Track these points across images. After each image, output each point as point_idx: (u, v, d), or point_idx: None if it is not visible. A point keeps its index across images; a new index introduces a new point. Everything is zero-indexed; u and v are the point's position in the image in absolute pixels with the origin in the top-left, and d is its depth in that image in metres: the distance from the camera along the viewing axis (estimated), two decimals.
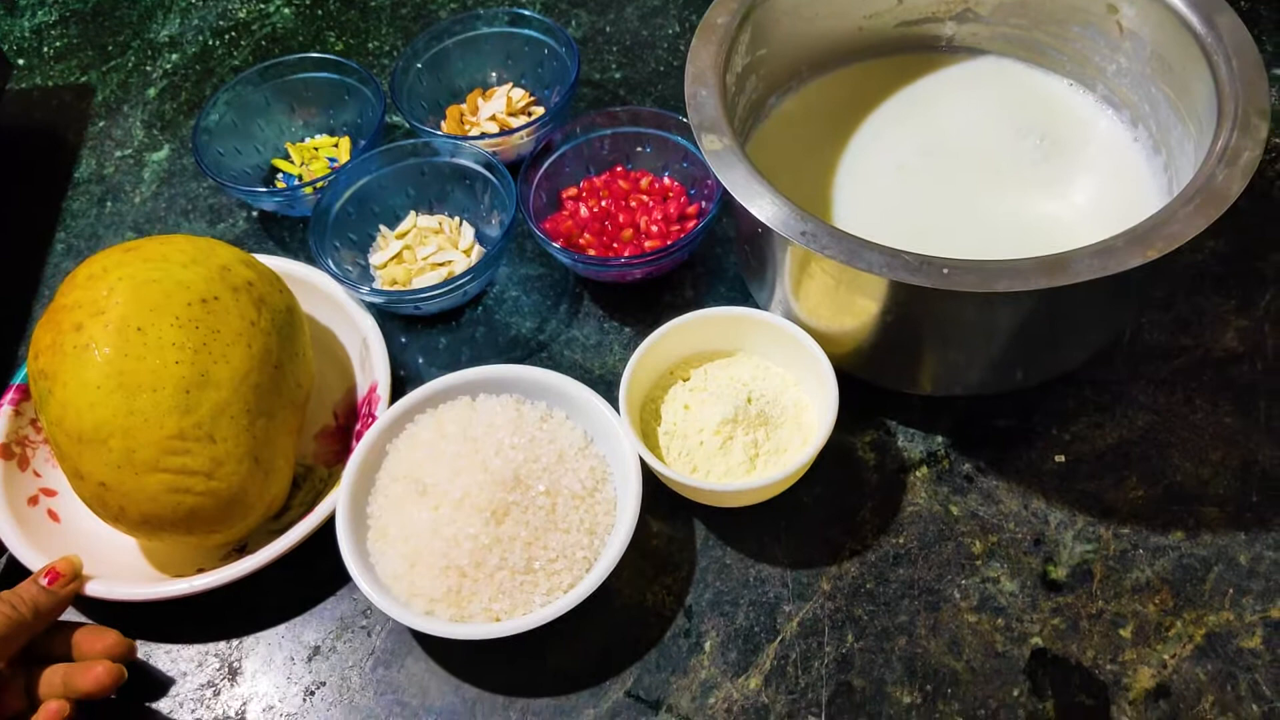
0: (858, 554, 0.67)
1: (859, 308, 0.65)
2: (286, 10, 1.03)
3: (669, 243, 0.77)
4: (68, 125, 0.96)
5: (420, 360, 0.78)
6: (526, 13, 0.87)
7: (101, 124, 0.96)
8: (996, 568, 0.66)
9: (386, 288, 0.79)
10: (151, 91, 0.98)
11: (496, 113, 0.87)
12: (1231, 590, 0.63)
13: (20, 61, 1.01)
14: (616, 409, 0.68)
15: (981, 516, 0.68)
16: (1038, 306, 0.61)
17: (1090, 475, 0.68)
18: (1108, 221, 0.70)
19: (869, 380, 0.70)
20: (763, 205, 0.61)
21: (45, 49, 1.03)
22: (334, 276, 0.75)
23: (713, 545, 0.68)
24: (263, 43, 1.00)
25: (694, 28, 0.95)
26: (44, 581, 0.63)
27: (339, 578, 0.69)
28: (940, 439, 0.71)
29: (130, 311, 0.63)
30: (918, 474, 0.70)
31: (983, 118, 0.76)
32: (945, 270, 0.57)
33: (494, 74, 0.90)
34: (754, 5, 0.70)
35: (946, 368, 0.68)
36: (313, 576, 0.69)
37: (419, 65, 0.87)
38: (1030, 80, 0.78)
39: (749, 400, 0.69)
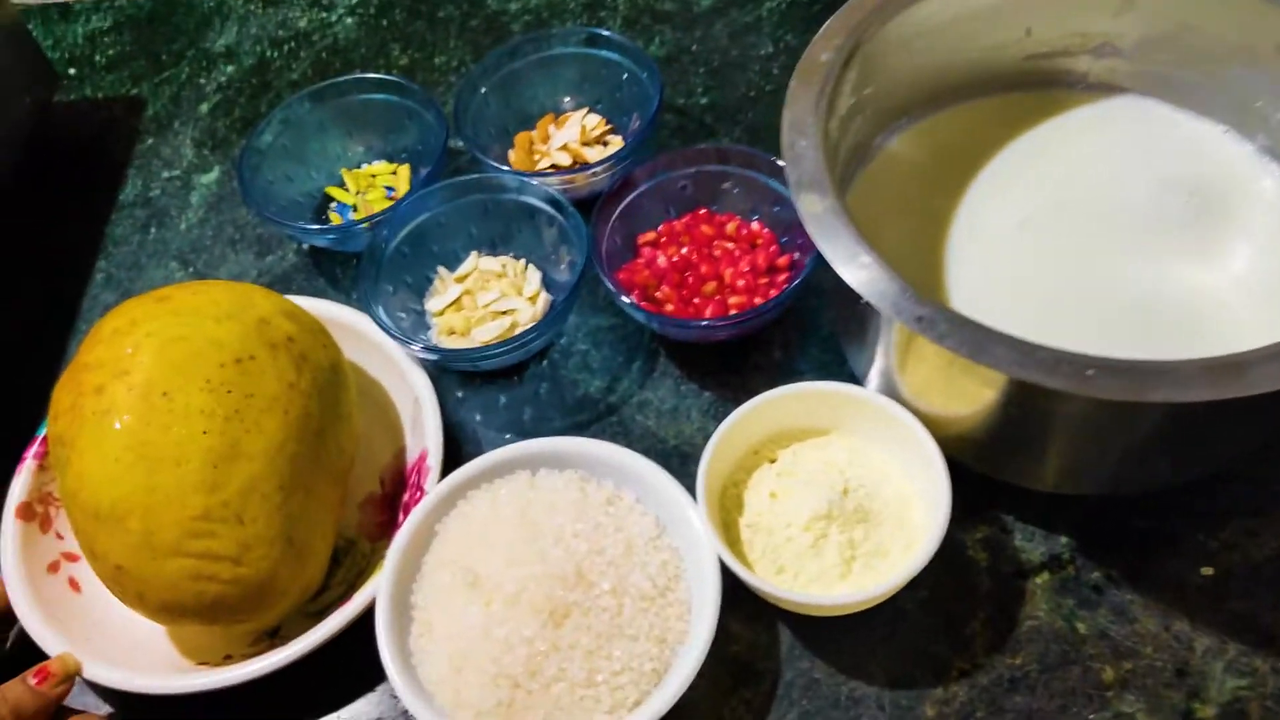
0: (967, 675, 0.58)
1: (976, 396, 0.56)
2: (349, 20, 0.96)
3: (756, 301, 0.68)
4: (116, 141, 0.90)
5: (478, 418, 0.71)
6: (604, 32, 0.79)
7: (150, 141, 0.90)
8: (1132, 701, 0.57)
9: (444, 338, 0.72)
10: (204, 107, 0.92)
11: (569, 141, 0.79)
12: None
13: (71, 71, 0.96)
14: (692, 492, 0.60)
15: (1113, 637, 0.59)
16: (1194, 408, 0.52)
17: (1244, 593, 0.59)
18: (1271, 295, 0.61)
19: (982, 472, 0.61)
20: (871, 282, 0.52)
21: (97, 57, 0.97)
22: (385, 330, 0.68)
23: (799, 655, 0.60)
24: (323, 55, 0.94)
25: (790, 48, 0.87)
26: (32, 681, 0.58)
27: (378, 672, 0.61)
28: (1064, 540, 0.62)
29: (156, 374, 0.57)
30: (1037, 581, 0.61)
31: (1121, 168, 0.67)
32: (1090, 372, 0.48)
33: (567, 98, 0.83)
34: (862, 40, 0.61)
35: (1076, 464, 0.59)
36: (349, 668, 0.62)
37: (485, 88, 0.80)
38: (1177, 125, 0.68)
39: (845, 491, 0.60)
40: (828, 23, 0.62)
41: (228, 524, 0.56)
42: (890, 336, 0.58)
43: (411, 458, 0.68)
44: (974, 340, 0.49)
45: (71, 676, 0.59)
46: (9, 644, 0.65)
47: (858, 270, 0.53)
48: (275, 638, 0.63)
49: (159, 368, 0.57)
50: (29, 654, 0.61)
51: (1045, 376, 0.48)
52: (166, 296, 0.62)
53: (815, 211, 0.55)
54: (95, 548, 0.57)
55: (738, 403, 0.61)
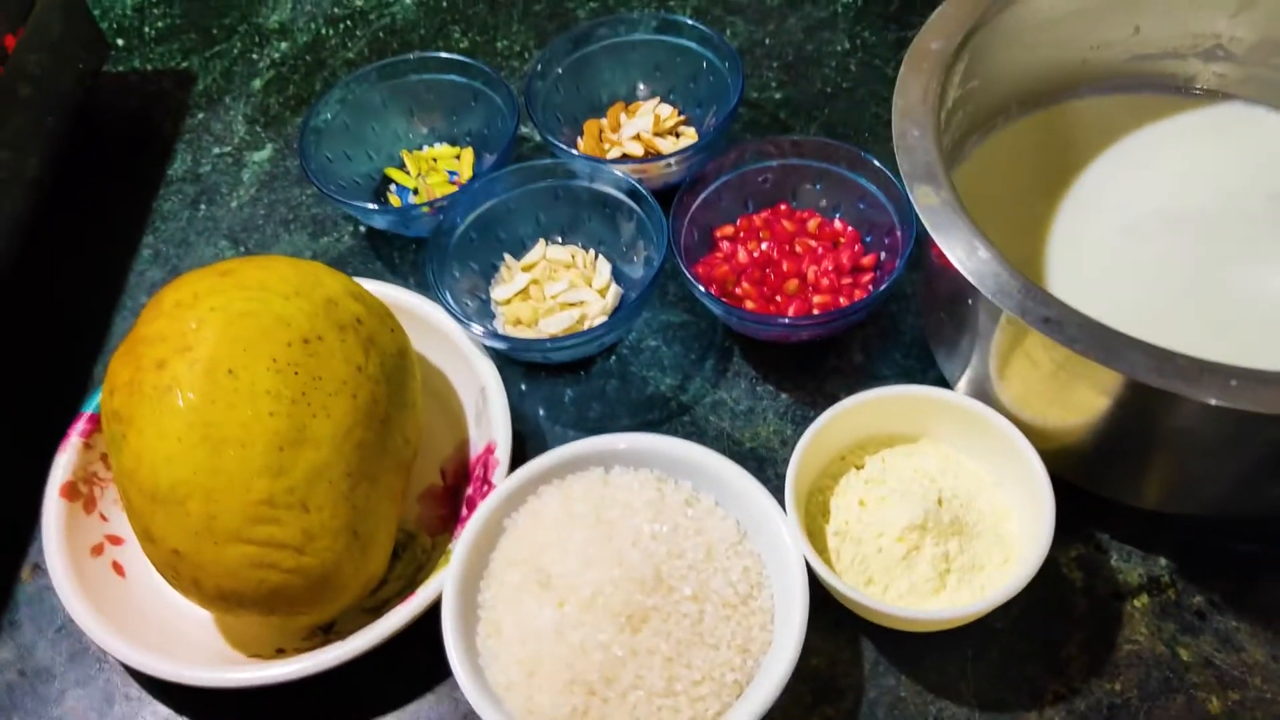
0: (1063, 699, 0.55)
1: (1085, 403, 0.53)
2: (408, 1, 0.93)
3: (841, 301, 0.65)
4: (164, 115, 0.87)
5: (541, 413, 0.68)
6: (683, 19, 0.76)
7: (200, 116, 0.87)
8: None
9: (510, 328, 0.69)
10: (257, 83, 0.89)
11: (641, 131, 0.76)
12: None
13: (120, 42, 0.93)
14: (775, 495, 0.57)
15: (1219, 666, 0.56)
16: None
17: None
18: None
19: (1079, 485, 0.58)
20: (993, 277, 0.49)
21: (146, 29, 0.94)
22: (452, 315, 0.65)
23: (883, 671, 0.57)
24: (380, 34, 0.91)
25: (866, 45, 0.84)
26: None
27: (437, 672, 0.59)
28: (1164, 562, 0.59)
29: (221, 350, 0.54)
30: (1136, 603, 0.58)
31: (1232, 176, 0.64)
32: (1234, 383, 0.45)
33: (640, 86, 0.80)
34: (976, 29, 0.58)
35: (1185, 482, 0.56)
36: (408, 667, 0.59)
37: (555, 73, 0.77)
38: None
39: (940, 502, 0.57)
40: (938, 10, 0.59)
41: (292, 511, 0.53)
42: (993, 339, 0.55)
43: (475, 450, 0.65)
44: (1107, 345, 0.47)
45: None
46: None
47: (978, 265, 0.50)
48: (330, 633, 0.60)
49: (224, 344, 0.54)
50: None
51: (1186, 386, 0.45)
52: (230, 270, 0.58)
53: (931, 204, 0.52)
54: (152, 530, 0.53)
55: (816, 406, 0.59)
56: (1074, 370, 0.51)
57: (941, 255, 0.56)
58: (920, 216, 0.52)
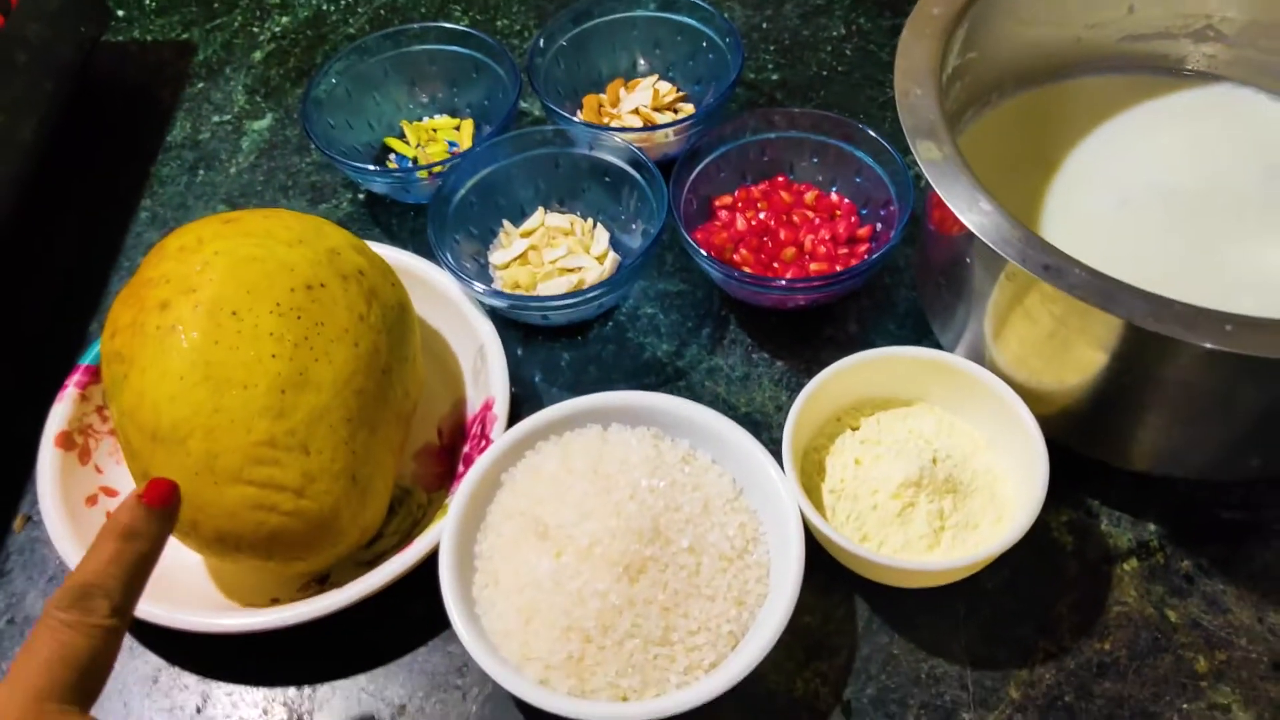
0: (1054, 658, 0.56)
1: (1081, 360, 0.54)
2: None
3: (837, 267, 0.66)
4: (164, 84, 0.87)
5: (538, 378, 0.68)
6: None
7: (200, 85, 0.87)
8: (1226, 693, 0.54)
9: (509, 291, 0.69)
10: (257, 55, 0.89)
11: (640, 106, 0.77)
12: None
13: (120, 13, 0.93)
14: (772, 454, 0.57)
15: (1206, 627, 0.56)
16: None
17: None
18: None
19: (1072, 448, 0.59)
20: (995, 228, 0.50)
21: (147, 1, 0.94)
22: (452, 272, 0.65)
23: (877, 629, 0.58)
24: (381, 11, 0.91)
25: (862, 31, 0.86)
26: (140, 501, 0.47)
27: (432, 624, 0.59)
28: (1153, 527, 0.60)
29: (225, 292, 0.54)
30: (1125, 567, 0.59)
31: (1223, 155, 0.65)
32: (1229, 327, 0.46)
33: (640, 63, 0.81)
34: None
35: (1172, 443, 0.57)
36: (403, 620, 0.59)
37: (555, 48, 0.77)
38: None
39: (934, 461, 0.58)
40: None
41: (293, 453, 0.54)
42: (990, 298, 0.56)
43: (473, 409, 0.65)
44: (1106, 290, 0.47)
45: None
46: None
47: (980, 217, 0.51)
48: (325, 583, 0.60)
49: (229, 286, 0.54)
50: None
51: (1184, 330, 0.46)
52: (236, 218, 0.59)
53: (934, 158, 0.53)
54: (151, 470, 0.53)
55: (810, 374, 0.59)
56: (1072, 325, 0.52)
57: (942, 215, 0.57)
58: (923, 170, 0.52)
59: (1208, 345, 0.45)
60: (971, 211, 0.51)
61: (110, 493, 0.62)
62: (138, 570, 0.46)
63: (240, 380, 0.53)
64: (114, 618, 0.44)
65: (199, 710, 0.57)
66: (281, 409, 0.53)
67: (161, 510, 0.47)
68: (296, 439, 0.54)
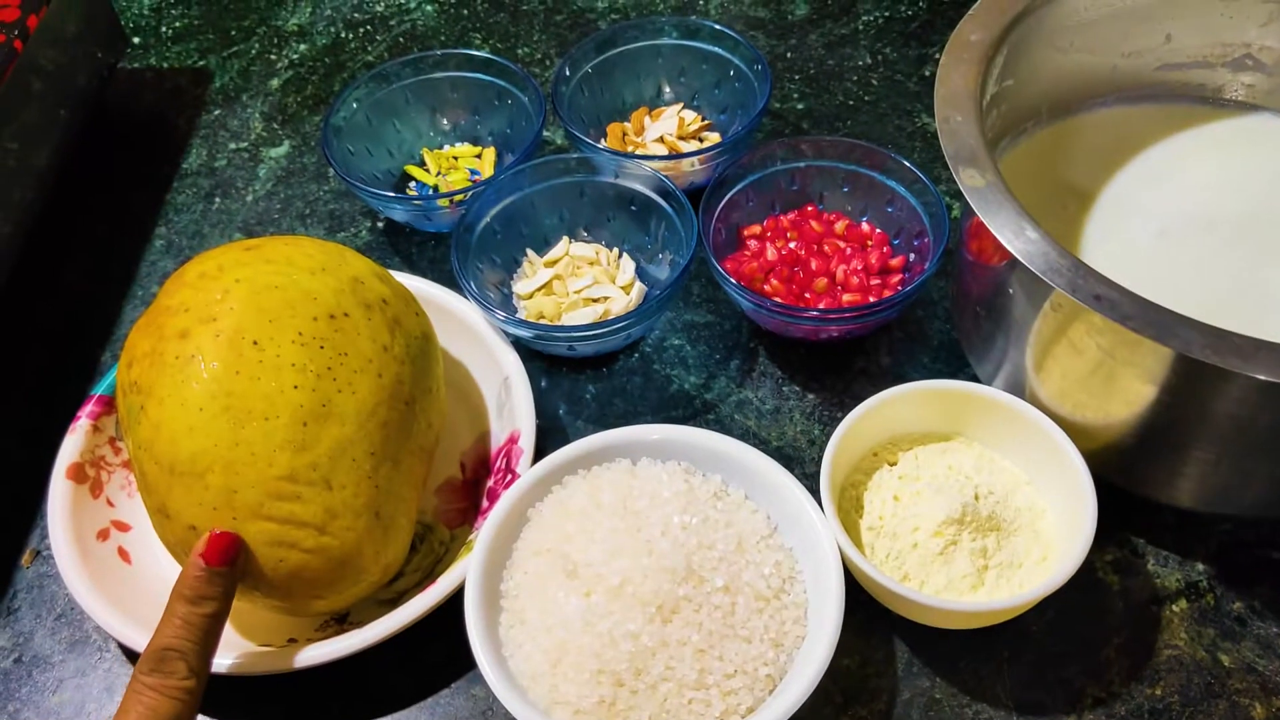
0: (1103, 704, 0.54)
1: (1129, 393, 0.52)
2: (429, 8, 0.93)
3: (871, 298, 0.65)
4: (180, 111, 0.86)
5: (563, 410, 0.67)
6: (710, 24, 0.76)
7: (217, 113, 0.86)
8: None
9: (533, 320, 0.68)
10: (275, 82, 0.88)
11: (666, 134, 0.76)
12: None
13: (135, 40, 0.92)
14: (808, 489, 0.56)
15: (1261, 672, 0.54)
16: None
17: None
18: None
19: (1116, 484, 0.57)
20: (1043, 256, 0.49)
21: (164, 28, 0.94)
22: (477, 301, 0.64)
23: (917, 672, 0.56)
24: (400, 39, 0.90)
25: (888, 61, 0.85)
26: (202, 562, 0.49)
27: (455, 666, 0.57)
28: (1201, 567, 0.58)
29: (247, 321, 0.53)
30: (1174, 608, 0.57)
31: (1262, 184, 0.64)
32: None
33: (665, 91, 0.79)
34: (1015, 23, 0.58)
35: (1221, 479, 0.55)
36: (424, 661, 0.57)
37: (586, 70, 0.76)
38: None
39: (976, 497, 0.56)
40: (977, 4, 0.59)
41: (315, 488, 0.52)
42: (1033, 328, 0.54)
43: (497, 443, 0.63)
44: (1161, 322, 0.46)
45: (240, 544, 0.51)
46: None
47: (1027, 245, 0.49)
48: (344, 623, 0.58)
49: (250, 315, 0.53)
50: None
51: (1242, 363, 0.44)
52: (256, 245, 0.57)
53: (978, 184, 0.51)
54: (168, 505, 0.51)
55: (843, 407, 0.58)
56: (1120, 357, 0.50)
57: (982, 243, 0.56)
58: (967, 197, 0.51)
59: (1267, 378, 0.44)
60: (1018, 239, 0.49)
61: (122, 527, 0.61)
62: (209, 630, 0.48)
63: (261, 412, 0.51)
64: (191, 678, 0.47)
65: None
66: (304, 442, 0.52)
67: (224, 570, 0.49)
68: (319, 473, 0.52)
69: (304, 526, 0.52)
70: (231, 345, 0.52)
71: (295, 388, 0.52)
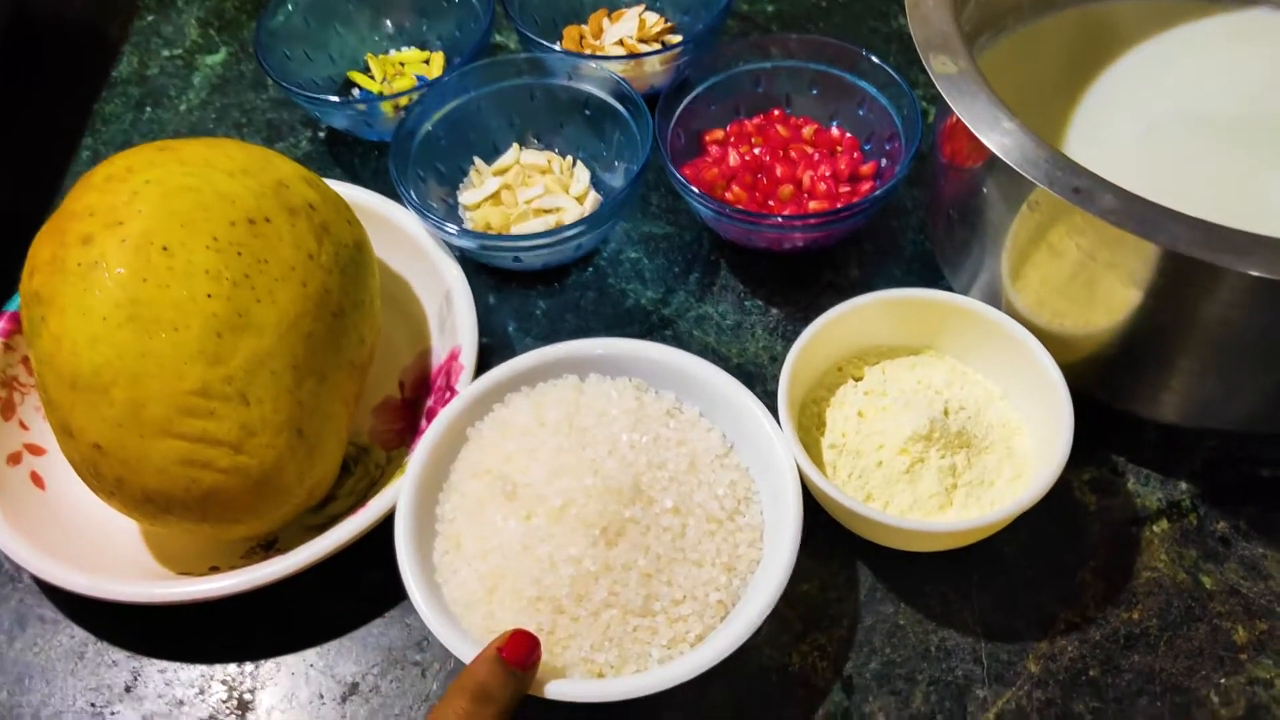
0: (1076, 628, 0.51)
1: (1111, 298, 0.48)
2: None
3: (840, 205, 0.60)
4: (111, 18, 0.81)
5: (511, 327, 0.63)
6: None
7: (150, 19, 0.81)
8: (1269, 666, 0.49)
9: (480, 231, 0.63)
10: None
11: (625, 37, 0.71)
12: None
13: None
14: (766, 406, 0.52)
15: (1245, 594, 0.51)
16: None
17: None
18: None
19: (1096, 398, 0.54)
20: (1018, 148, 0.44)
21: None
22: (417, 210, 0.59)
23: (881, 598, 0.52)
24: None
25: None
26: (503, 660, 0.44)
27: (389, 595, 0.53)
28: (1184, 486, 0.54)
29: (156, 225, 0.48)
30: (1155, 529, 0.53)
31: (1254, 82, 0.59)
32: None
33: None
34: None
35: (1208, 391, 0.52)
36: (357, 590, 0.54)
37: None
38: None
39: (946, 412, 0.52)
40: None
41: (229, 403, 0.48)
42: (1010, 231, 0.50)
43: (438, 360, 0.59)
44: (1146, 216, 0.42)
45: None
46: None
47: (1002, 136, 0.45)
48: (271, 549, 0.54)
49: (159, 218, 0.49)
50: None
51: (1236, 258, 0.40)
52: (170, 146, 0.53)
53: (949, 73, 0.47)
54: (71, 423, 0.48)
55: (808, 322, 0.53)
56: (1102, 258, 0.46)
57: (956, 144, 0.52)
58: (938, 86, 0.47)
59: (1262, 274, 0.40)
60: (992, 131, 0.45)
61: (36, 450, 0.57)
62: None
63: (170, 321, 0.47)
64: None
65: (128, 689, 0.52)
66: (217, 354, 0.48)
67: (521, 673, 0.44)
68: (234, 387, 0.48)
69: (218, 445, 0.48)
70: (138, 251, 0.48)
71: (208, 296, 0.48)
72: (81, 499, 0.53)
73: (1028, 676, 0.49)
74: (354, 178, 0.70)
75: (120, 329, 0.47)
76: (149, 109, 0.75)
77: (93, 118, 0.74)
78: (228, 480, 0.48)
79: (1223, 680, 0.49)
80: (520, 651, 0.44)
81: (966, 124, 0.45)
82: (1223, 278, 0.43)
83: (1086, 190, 0.43)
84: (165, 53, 0.78)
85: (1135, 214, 0.42)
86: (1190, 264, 0.42)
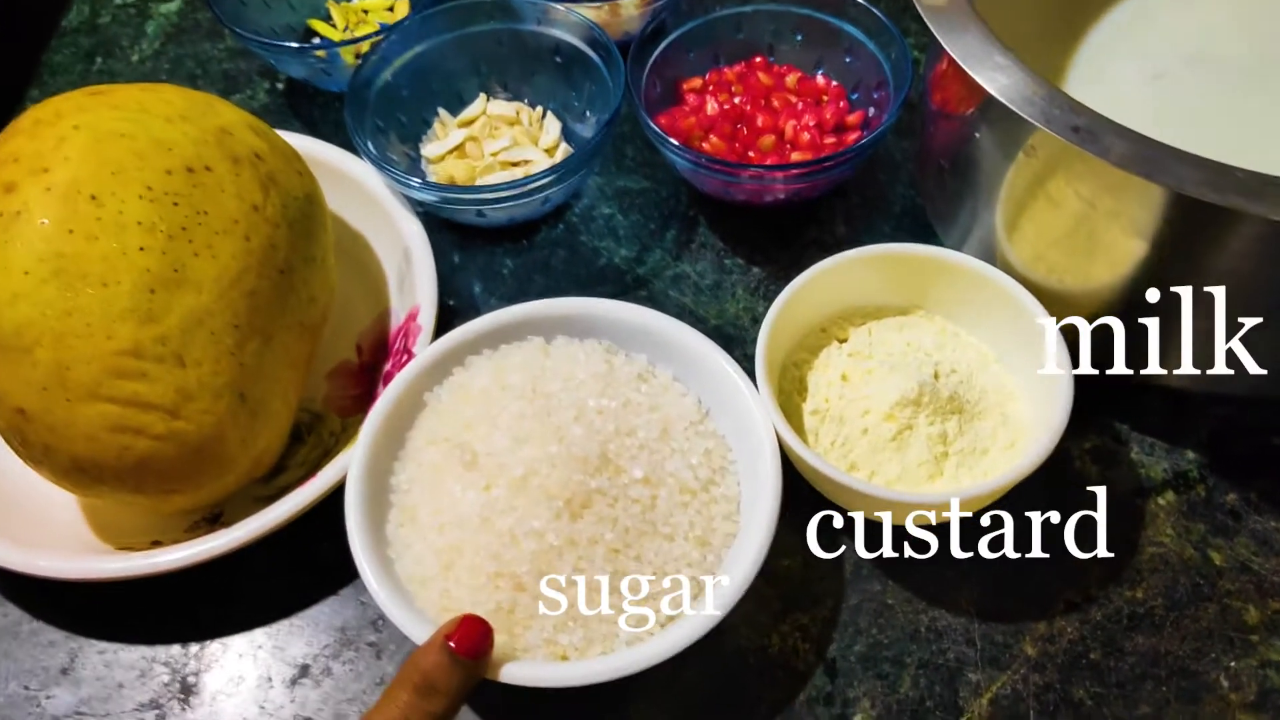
0: (1077, 608, 0.47)
1: (1115, 252, 0.45)
2: None
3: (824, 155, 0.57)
4: None
5: (477, 288, 0.59)
6: None
7: None
8: None
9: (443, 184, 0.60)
10: None
11: None
12: None
13: None
14: (745, 370, 0.48)
15: (1256, 571, 0.48)
16: None
17: None
18: None
19: (1098, 361, 0.50)
20: (1013, 86, 0.41)
21: None
22: (374, 163, 0.56)
23: (867, 575, 0.49)
24: None
25: None
26: (451, 649, 0.40)
27: (344, 572, 0.50)
28: (1192, 456, 0.51)
29: (84, 172, 0.45)
30: (1160, 501, 0.50)
31: (1265, 23, 0.56)
32: None
33: None
34: None
35: (1216, 354, 0.48)
36: (309, 567, 0.50)
37: None
38: None
39: (936, 376, 0.49)
40: None
41: (164, 365, 0.44)
42: (1005, 179, 0.47)
43: (396, 322, 0.56)
44: (1150, 156, 0.38)
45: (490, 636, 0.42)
46: None
47: (993, 73, 0.41)
48: (217, 523, 0.51)
49: (88, 166, 0.45)
50: None
51: (1246, 201, 0.37)
52: (106, 91, 0.49)
53: (938, 4, 0.43)
54: None
55: (791, 281, 0.50)
56: (1104, 207, 0.43)
57: (947, 88, 0.48)
58: (925, 19, 0.43)
59: (1275, 218, 0.36)
60: (984, 67, 0.41)
61: None
62: None
63: (99, 276, 0.44)
64: None
65: (65, 671, 0.48)
66: (151, 312, 0.44)
67: (469, 662, 0.40)
68: (169, 348, 0.44)
69: (152, 409, 0.44)
70: (65, 200, 0.44)
71: (141, 249, 0.44)
72: (12, 467, 0.50)
73: (1024, 659, 0.46)
74: (314, 131, 0.66)
75: (44, 285, 0.43)
76: (100, 59, 0.71)
77: (40, 69, 0.70)
78: (163, 447, 0.45)
79: (1233, 663, 0.46)
80: (470, 640, 0.40)
81: (957, 60, 0.41)
82: (1233, 224, 0.40)
83: (1086, 129, 0.39)
84: (117, 1, 0.74)
85: (1138, 154, 0.38)
86: (1197, 209, 0.39)
